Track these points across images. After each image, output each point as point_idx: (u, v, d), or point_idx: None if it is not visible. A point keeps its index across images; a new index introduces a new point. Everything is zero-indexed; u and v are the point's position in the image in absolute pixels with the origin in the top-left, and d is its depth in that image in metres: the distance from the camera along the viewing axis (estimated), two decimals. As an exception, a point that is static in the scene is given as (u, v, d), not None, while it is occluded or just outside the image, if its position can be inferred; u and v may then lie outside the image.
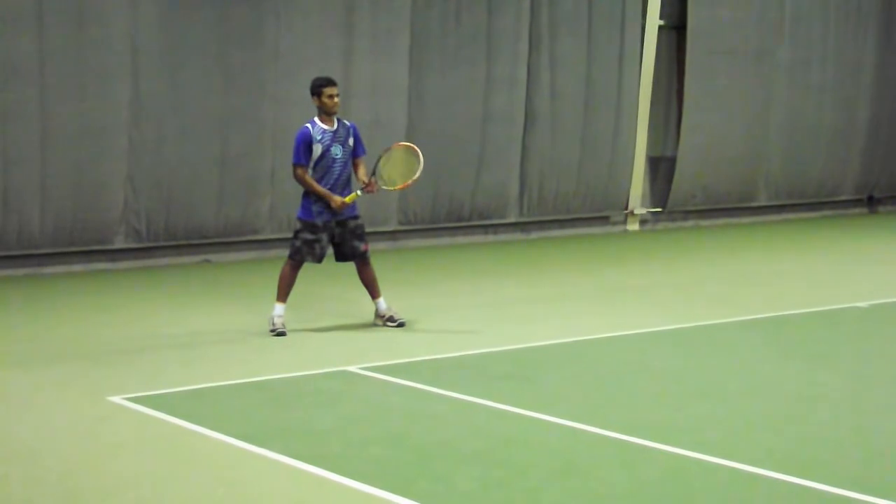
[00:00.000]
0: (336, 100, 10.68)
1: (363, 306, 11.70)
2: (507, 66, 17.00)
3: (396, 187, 10.95)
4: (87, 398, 8.48)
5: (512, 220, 17.52)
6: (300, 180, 10.64)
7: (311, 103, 10.80)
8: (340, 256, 10.91)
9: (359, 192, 10.64)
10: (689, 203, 19.10)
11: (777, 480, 6.64)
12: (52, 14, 13.79)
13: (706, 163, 18.99)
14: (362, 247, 10.83)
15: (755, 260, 15.71)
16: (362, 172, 10.77)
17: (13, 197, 13.83)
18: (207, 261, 15.14)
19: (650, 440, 7.35)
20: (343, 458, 7.07)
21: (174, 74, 14.61)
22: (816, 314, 11.71)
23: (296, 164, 10.64)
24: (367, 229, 15.83)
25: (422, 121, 16.39)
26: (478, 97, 16.83)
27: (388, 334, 10.68)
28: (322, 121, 10.68)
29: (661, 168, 19.00)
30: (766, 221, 19.76)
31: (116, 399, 8.37)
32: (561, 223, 18.02)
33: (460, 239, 17.07)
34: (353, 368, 9.32)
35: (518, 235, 17.60)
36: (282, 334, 10.55)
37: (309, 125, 10.67)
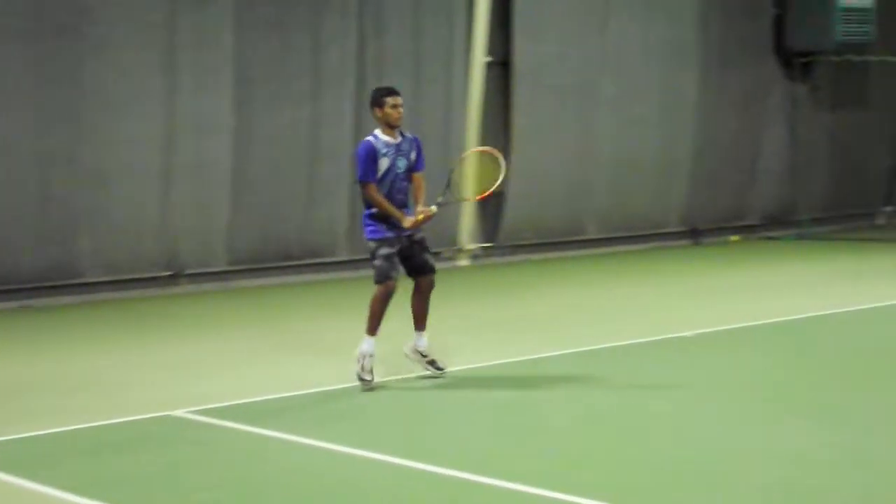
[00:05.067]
0: (400, 110, 9.97)
1: (183, 347, 11.43)
2: (334, 103, 16.90)
3: (475, 198, 10.67)
4: None
5: (342, 258, 17.38)
6: (370, 198, 9.89)
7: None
8: (412, 271, 10.25)
9: (434, 208, 10.12)
10: (519, 237, 19.21)
11: (609, 511, 6.63)
12: None
13: (535, 197, 19.12)
14: (432, 260, 10.30)
15: (584, 292, 15.85)
16: (422, 190, 10.21)
17: None
18: (28, 306, 14.65)
19: (483, 475, 7.28)
20: (167, 506, 6.85)
21: (-11, 114, 14.19)
22: (644, 344, 11.84)
23: (363, 182, 9.86)
24: (194, 270, 15.73)
25: (247, 160, 16.15)
26: (304, 135, 16.68)
27: (216, 376, 10.44)
28: (385, 133, 9.99)
29: (491, 203, 19.07)
30: (595, 254, 19.96)
31: (-74, 453, 8.00)
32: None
33: (291, 278, 16.84)
34: (180, 412, 9.07)
35: (348, 273, 17.43)
36: (367, 381, 9.84)
37: (371, 138, 9.97)
